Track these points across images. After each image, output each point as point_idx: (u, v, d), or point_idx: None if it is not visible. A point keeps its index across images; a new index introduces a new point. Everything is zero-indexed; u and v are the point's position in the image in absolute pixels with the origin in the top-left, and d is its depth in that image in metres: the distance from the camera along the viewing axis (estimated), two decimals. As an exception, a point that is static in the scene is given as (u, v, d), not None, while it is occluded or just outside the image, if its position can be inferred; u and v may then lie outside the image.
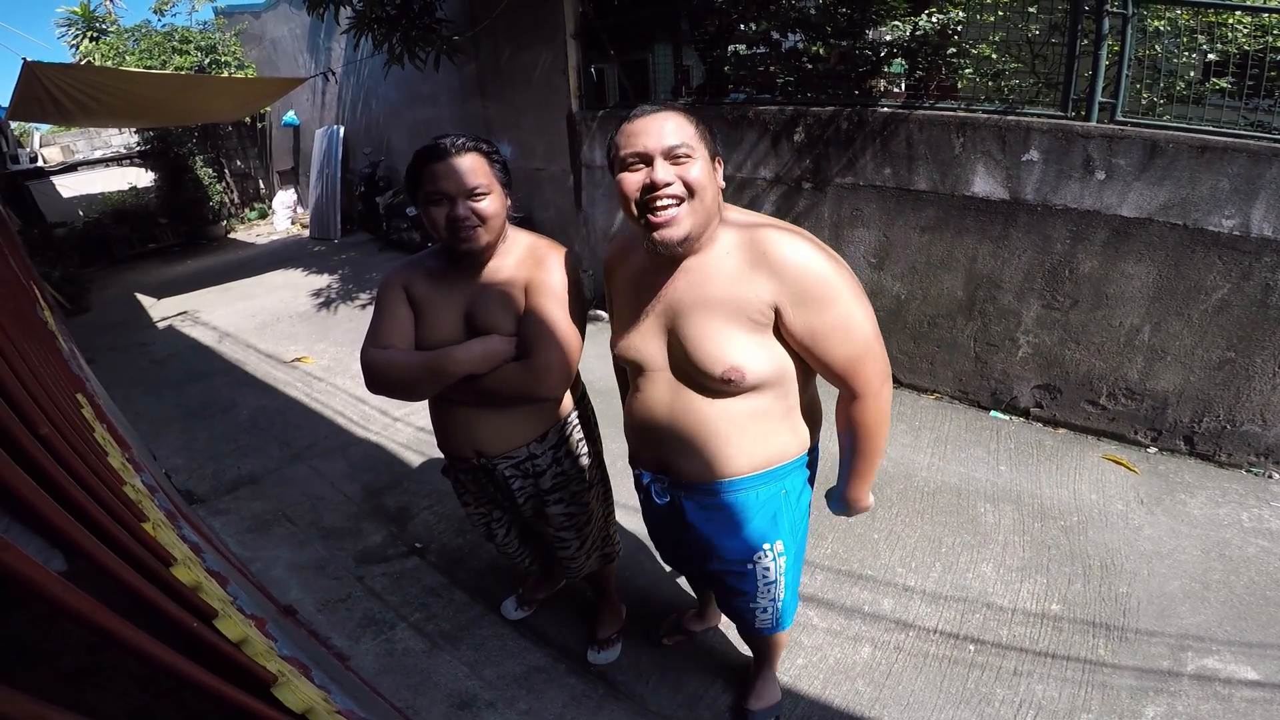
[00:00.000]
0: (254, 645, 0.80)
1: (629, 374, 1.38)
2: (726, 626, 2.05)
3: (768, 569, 1.39)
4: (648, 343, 1.28)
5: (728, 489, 1.31)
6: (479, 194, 1.34)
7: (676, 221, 1.15)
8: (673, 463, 1.33)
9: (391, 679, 1.96)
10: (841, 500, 1.42)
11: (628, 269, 1.34)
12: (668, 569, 2.31)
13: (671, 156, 1.13)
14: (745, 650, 1.97)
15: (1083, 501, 2.55)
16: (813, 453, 1.41)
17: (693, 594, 2.11)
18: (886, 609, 2.11)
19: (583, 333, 1.46)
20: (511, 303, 1.42)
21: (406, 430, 3.41)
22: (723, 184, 1.22)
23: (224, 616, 0.78)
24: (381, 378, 1.42)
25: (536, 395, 1.44)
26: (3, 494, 0.55)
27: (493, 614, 2.19)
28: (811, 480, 1.44)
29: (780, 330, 1.18)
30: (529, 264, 1.44)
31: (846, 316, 1.15)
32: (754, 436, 1.27)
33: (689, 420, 1.27)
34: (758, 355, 1.18)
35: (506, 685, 1.93)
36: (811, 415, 1.35)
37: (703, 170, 1.15)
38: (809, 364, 1.23)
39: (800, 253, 1.14)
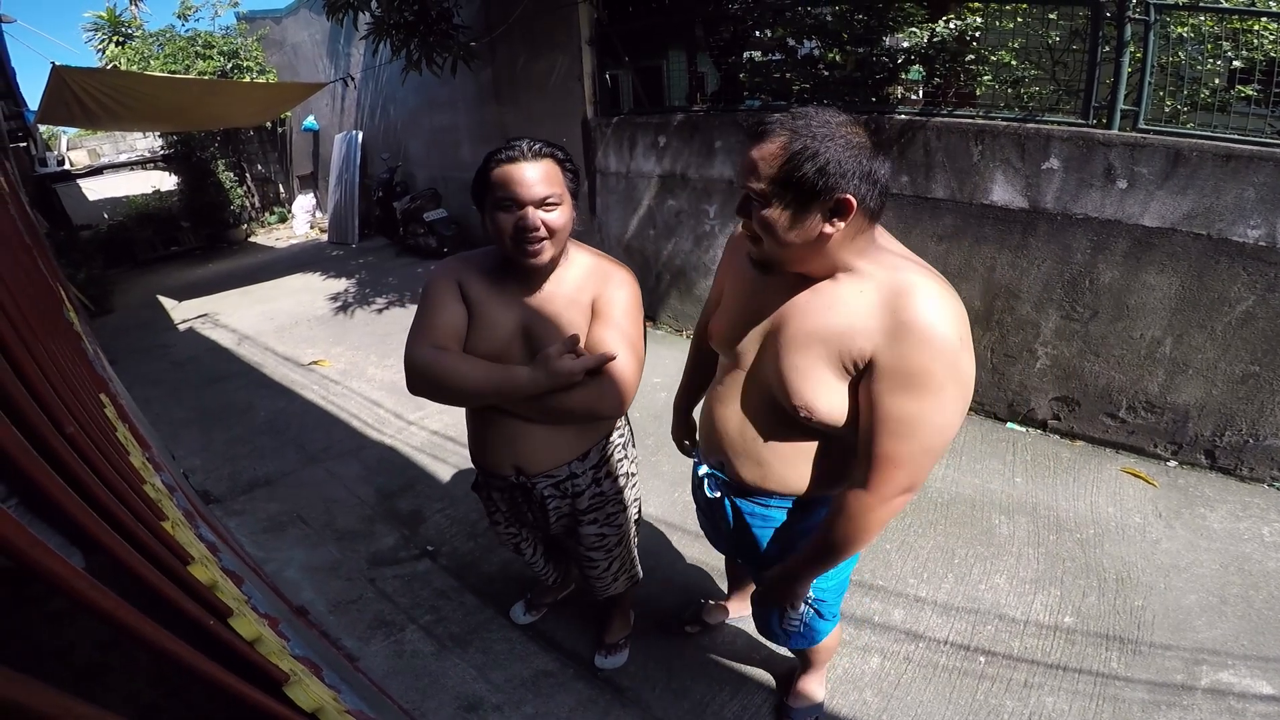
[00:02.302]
0: (267, 644, 0.80)
1: (719, 364, 1.36)
2: (735, 635, 2.05)
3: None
4: (746, 342, 1.23)
5: (780, 503, 1.30)
6: (551, 204, 1.26)
7: None
8: (732, 462, 1.31)
9: (400, 680, 1.97)
10: (779, 579, 1.29)
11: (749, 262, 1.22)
12: (688, 561, 2.32)
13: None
14: (752, 660, 1.97)
15: (1100, 514, 2.51)
16: None
17: (701, 591, 2.12)
18: (897, 619, 2.09)
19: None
20: (576, 324, 1.36)
21: (421, 434, 3.44)
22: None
23: (239, 615, 0.79)
24: (435, 382, 1.31)
25: (599, 415, 1.38)
26: (30, 490, 0.56)
27: (502, 618, 2.19)
28: None
29: (858, 385, 1.07)
30: (595, 281, 1.38)
31: (922, 418, 1.01)
32: (817, 464, 1.23)
33: (756, 432, 1.24)
34: (831, 401, 1.09)
35: (514, 689, 1.93)
36: None
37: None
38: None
39: (934, 329, 0.99)
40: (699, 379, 1.61)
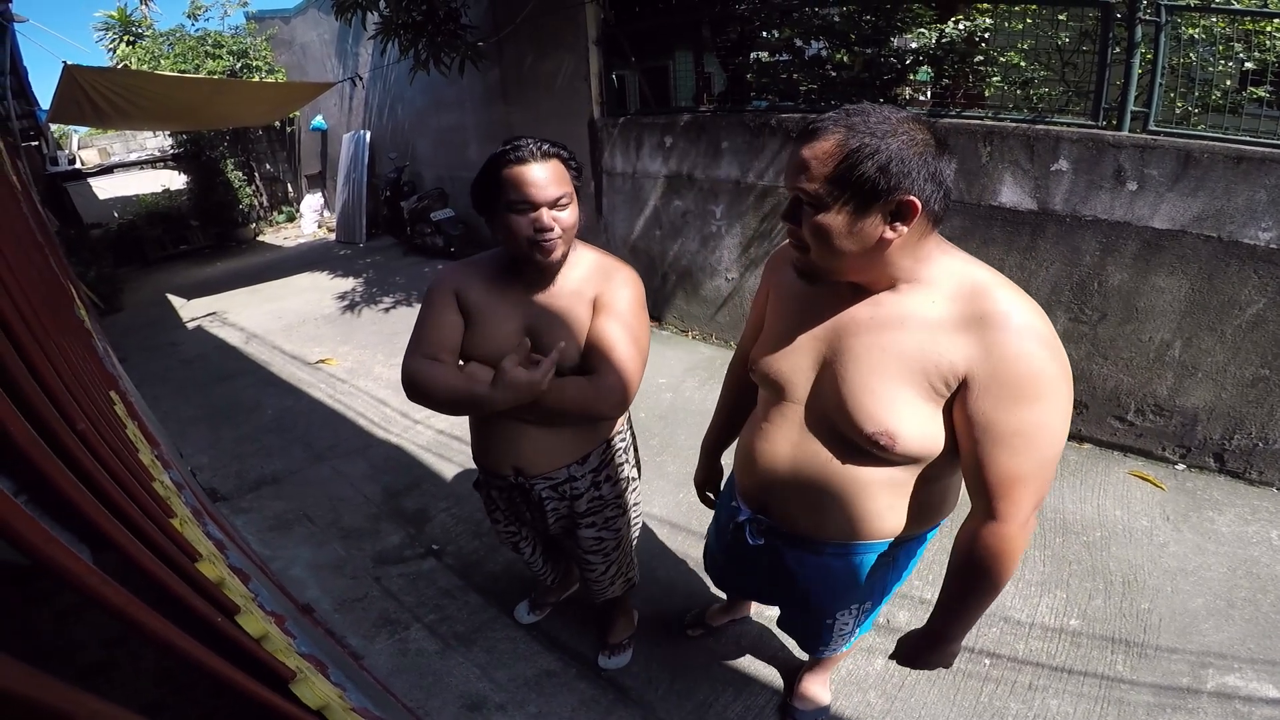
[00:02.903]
0: (274, 641, 0.81)
1: (761, 398, 1.23)
2: (739, 636, 2.05)
3: (847, 622, 1.34)
4: (796, 369, 1.10)
5: (837, 551, 1.19)
6: (562, 203, 1.26)
7: None
8: (781, 510, 1.21)
9: (404, 679, 1.98)
10: (925, 642, 1.17)
11: (794, 278, 1.10)
12: (692, 563, 2.31)
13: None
14: (756, 661, 1.97)
15: (1106, 517, 2.50)
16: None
17: (704, 593, 2.12)
18: (901, 621, 2.08)
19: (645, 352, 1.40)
20: (579, 320, 1.36)
21: (427, 433, 3.45)
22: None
23: (246, 613, 0.80)
24: (424, 391, 1.33)
25: (598, 414, 1.34)
26: (41, 486, 0.57)
27: (506, 617, 2.20)
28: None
29: (952, 406, 0.96)
30: (597, 279, 1.38)
31: (1040, 426, 0.91)
32: (881, 506, 1.10)
33: (813, 472, 1.11)
34: (919, 426, 0.98)
35: (517, 688, 1.94)
36: (945, 500, 1.17)
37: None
38: (959, 454, 0.99)
39: (1030, 329, 0.90)
40: (733, 419, 1.48)
